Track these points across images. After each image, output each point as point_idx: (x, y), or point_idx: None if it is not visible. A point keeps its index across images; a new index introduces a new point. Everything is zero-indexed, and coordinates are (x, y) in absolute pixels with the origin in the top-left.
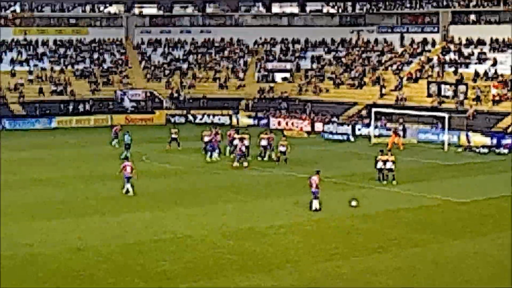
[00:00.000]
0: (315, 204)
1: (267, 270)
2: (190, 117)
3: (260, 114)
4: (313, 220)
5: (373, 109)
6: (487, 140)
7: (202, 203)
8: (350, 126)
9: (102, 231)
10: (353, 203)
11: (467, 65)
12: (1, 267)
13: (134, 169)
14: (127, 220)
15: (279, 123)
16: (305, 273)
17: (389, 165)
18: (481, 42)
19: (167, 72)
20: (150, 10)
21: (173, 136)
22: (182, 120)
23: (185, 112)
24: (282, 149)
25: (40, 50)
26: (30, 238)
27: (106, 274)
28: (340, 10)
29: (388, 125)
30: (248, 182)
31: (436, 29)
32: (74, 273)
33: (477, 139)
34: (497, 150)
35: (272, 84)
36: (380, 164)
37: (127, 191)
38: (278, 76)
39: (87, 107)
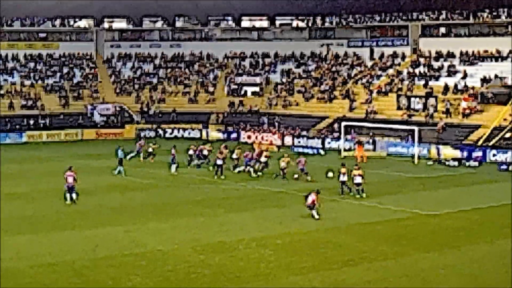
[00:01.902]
0: (314, 213)
1: (238, 284)
2: (160, 131)
3: (230, 128)
4: (284, 234)
5: (343, 123)
6: (457, 153)
7: (173, 217)
8: (320, 140)
9: (73, 246)
10: (330, 174)
11: (437, 78)
12: None
13: (76, 179)
14: (98, 235)
15: (249, 137)
16: (276, 286)
17: (357, 179)
18: (451, 55)
19: (136, 86)
20: (120, 24)
21: (150, 150)
22: (152, 134)
23: (155, 126)
24: (283, 165)
25: (10, 64)
26: (1, 253)
27: None
28: (309, 24)
29: (357, 138)
30: (219, 196)
31: (405, 42)
32: None
33: (447, 152)
34: (467, 163)
35: (242, 98)
36: (342, 177)
37: (71, 199)
38: (248, 90)
39: (57, 121)
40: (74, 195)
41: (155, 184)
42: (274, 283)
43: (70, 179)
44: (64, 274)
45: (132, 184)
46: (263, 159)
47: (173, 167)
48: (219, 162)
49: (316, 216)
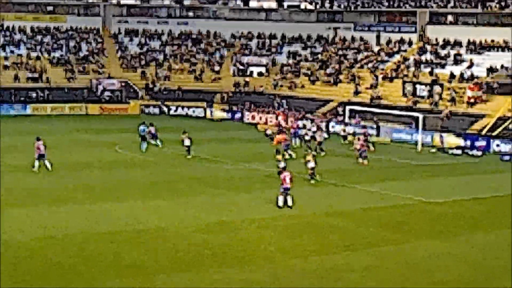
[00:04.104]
0: (289, 200)
1: (240, 264)
2: (165, 109)
3: (234, 108)
4: (286, 216)
5: (348, 107)
6: (460, 142)
7: (175, 195)
8: (324, 123)
9: (75, 220)
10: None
11: (443, 66)
12: None
13: (45, 146)
14: (101, 210)
15: (253, 117)
16: (276, 268)
17: (311, 164)
18: (457, 44)
19: (143, 62)
20: (128, 0)
21: (186, 143)
22: (157, 111)
23: (159, 103)
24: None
25: (17, 36)
26: (3, 225)
27: (78, 262)
28: (317, 7)
29: (362, 123)
30: (223, 176)
31: (413, 29)
32: (46, 261)
33: (451, 140)
34: (470, 152)
35: (247, 78)
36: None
37: (40, 166)
38: (254, 71)
39: (62, 95)
40: (48, 164)
41: (158, 161)
42: (275, 265)
43: (42, 148)
44: (65, 247)
45: (135, 161)
46: None
47: (144, 145)
48: (187, 142)
49: (290, 203)
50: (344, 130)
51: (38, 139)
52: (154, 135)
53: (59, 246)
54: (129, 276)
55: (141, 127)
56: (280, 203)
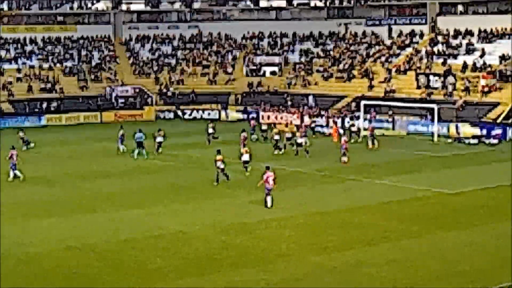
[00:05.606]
0: (269, 201)
1: (260, 265)
2: (179, 113)
3: (249, 108)
4: (305, 214)
5: (362, 102)
6: (476, 131)
7: (194, 199)
8: (340, 119)
9: (95, 229)
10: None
11: (455, 56)
12: None
13: (18, 156)
14: (120, 217)
15: (268, 117)
16: (297, 267)
17: (245, 157)
18: (469, 33)
19: (155, 68)
20: (138, 6)
21: (158, 140)
22: (171, 115)
23: (174, 107)
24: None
25: (28, 48)
26: (24, 237)
27: (100, 271)
28: (327, 3)
29: (378, 117)
30: (239, 177)
31: (424, 21)
32: (69, 272)
33: (467, 130)
34: (487, 141)
35: (260, 78)
36: (219, 164)
37: (15, 177)
38: (267, 70)
39: (76, 104)
40: (18, 173)
41: (175, 166)
42: (297, 263)
43: (15, 157)
44: (87, 257)
45: (152, 166)
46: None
47: (121, 147)
48: (159, 139)
49: (269, 204)
50: (353, 125)
51: (13, 148)
52: (123, 139)
53: (81, 256)
54: (152, 282)
55: (137, 134)
56: (269, 204)
